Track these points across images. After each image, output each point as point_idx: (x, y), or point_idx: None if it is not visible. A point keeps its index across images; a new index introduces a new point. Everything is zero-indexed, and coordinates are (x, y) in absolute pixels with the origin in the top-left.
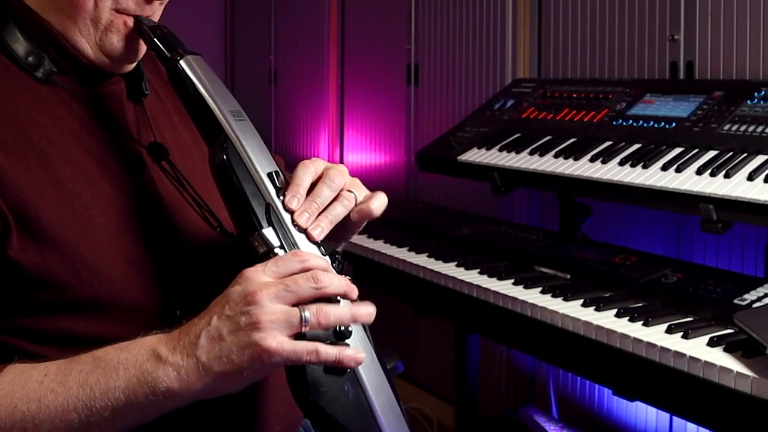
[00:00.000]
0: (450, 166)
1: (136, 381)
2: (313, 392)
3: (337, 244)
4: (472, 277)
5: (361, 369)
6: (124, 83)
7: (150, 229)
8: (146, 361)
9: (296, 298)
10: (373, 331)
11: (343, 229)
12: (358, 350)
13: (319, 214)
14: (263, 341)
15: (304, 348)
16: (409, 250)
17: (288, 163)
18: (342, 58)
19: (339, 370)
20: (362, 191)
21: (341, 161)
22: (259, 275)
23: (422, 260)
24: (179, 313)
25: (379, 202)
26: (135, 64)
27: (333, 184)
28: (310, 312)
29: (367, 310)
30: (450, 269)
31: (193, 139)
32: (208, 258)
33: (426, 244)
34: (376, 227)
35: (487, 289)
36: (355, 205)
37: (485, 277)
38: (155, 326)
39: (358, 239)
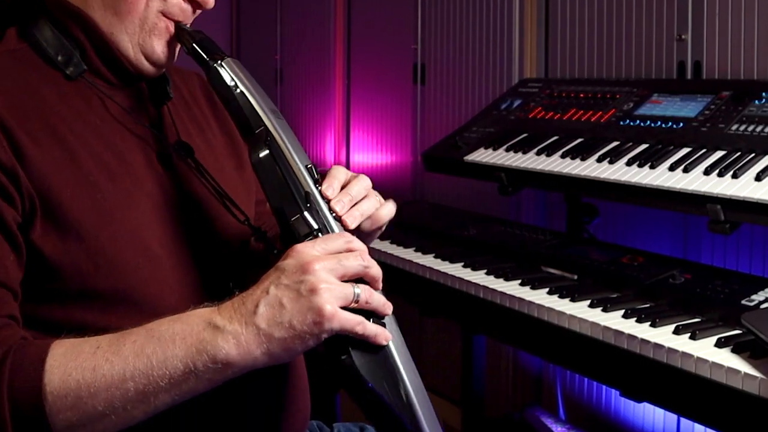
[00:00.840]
0: (457, 166)
1: (195, 350)
2: (353, 356)
3: None
4: (479, 277)
5: (393, 346)
6: (146, 88)
7: (168, 223)
8: (202, 331)
9: (347, 272)
10: None
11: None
12: (386, 331)
13: (352, 207)
14: (324, 306)
15: (355, 318)
16: (416, 251)
17: None
18: (348, 58)
19: (377, 347)
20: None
21: (347, 161)
22: (310, 249)
23: (428, 261)
24: (231, 285)
25: (387, 210)
26: (164, 69)
27: (365, 183)
28: (360, 290)
29: (390, 305)
30: (456, 270)
31: (220, 144)
32: (228, 253)
33: (432, 244)
34: None
35: (493, 290)
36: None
37: (492, 277)
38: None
39: None
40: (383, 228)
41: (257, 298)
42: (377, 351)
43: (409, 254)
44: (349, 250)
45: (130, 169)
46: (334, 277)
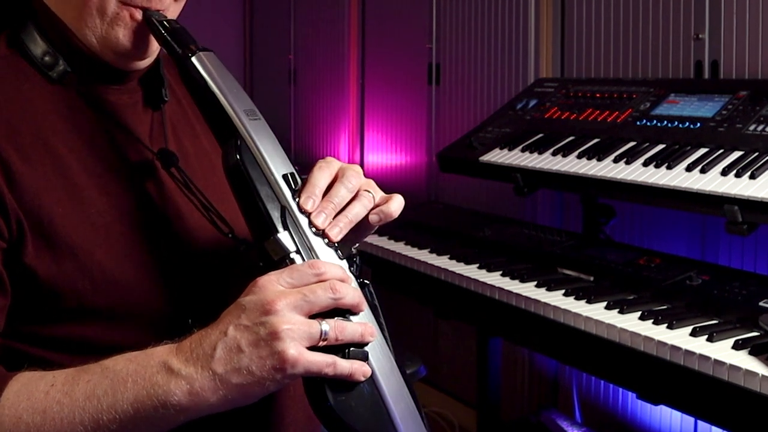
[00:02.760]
0: (472, 166)
1: (146, 394)
2: (331, 400)
3: (351, 245)
4: (494, 279)
5: (380, 376)
6: (141, 90)
7: (162, 237)
8: (156, 374)
9: (314, 308)
10: (393, 333)
11: (358, 230)
12: (364, 365)
13: (337, 214)
14: (286, 351)
15: (323, 360)
16: (431, 252)
17: (306, 164)
18: (363, 57)
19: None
20: (378, 192)
21: (361, 162)
22: (274, 284)
23: (443, 262)
24: (191, 321)
25: (397, 204)
26: (147, 61)
27: (350, 184)
28: (329, 326)
29: (371, 331)
30: (472, 271)
31: (213, 147)
32: (221, 265)
33: (447, 245)
34: (396, 229)
35: (509, 292)
36: (374, 206)
37: (507, 279)
38: (169, 334)
39: (378, 240)
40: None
41: (215, 339)
42: (358, 386)
43: (423, 255)
44: (321, 280)
45: (122, 181)
46: (299, 315)
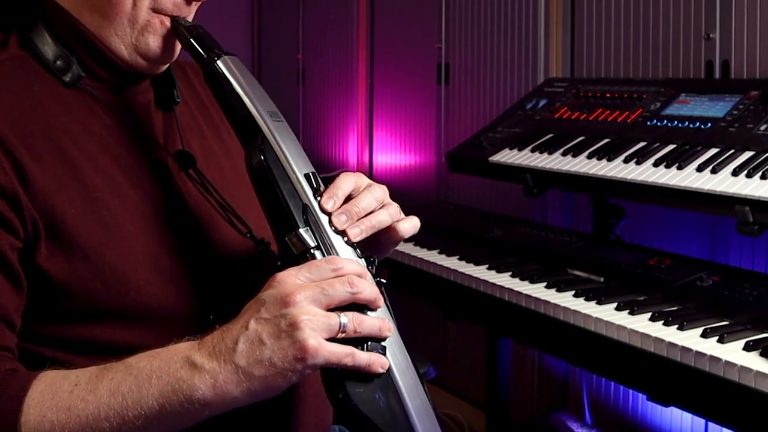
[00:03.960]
0: (481, 167)
1: (170, 389)
2: (349, 392)
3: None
4: (504, 280)
5: (396, 372)
6: (152, 91)
7: (176, 237)
8: (180, 369)
9: (332, 301)
10: (403, 334)
11: (376, 245)
12: (381, 357)
13: (359, 219)
14: (306, 342)
15: (342, 351)
16: (440, 253)
17: (316, 166)
18: (371, 57)
19: (371, 375)
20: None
21: (370, 162)
22: (293, 278)
23: (453, 263)
24: (212, 318)
25: (410, 224)
26: (167, 66)
27: (377, 194)
28: (347, 318)
29: (388, 326)
30: (481, 272)
31: (220, 149)
32: (236, 265)
33: (457, 246)
34: None
35: (518, 293)
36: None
37: (517, 280)
38: (182, 334)
39: None
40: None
41: (236, 333)
42: (375, 379)
43: (433, 256)
44: (339, 275)
45: (136, 182)
46: (317, 308)
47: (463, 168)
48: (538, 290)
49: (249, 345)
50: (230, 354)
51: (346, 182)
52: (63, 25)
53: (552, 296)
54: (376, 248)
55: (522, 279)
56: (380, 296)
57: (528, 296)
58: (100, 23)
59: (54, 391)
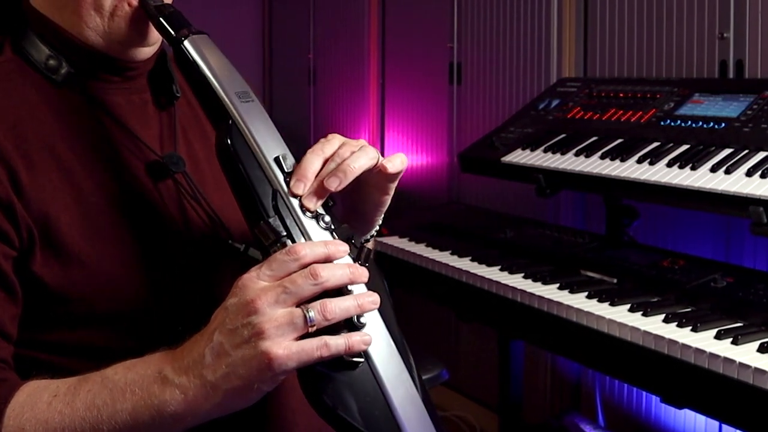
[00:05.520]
0: (493, 167)
1: (143, 404)
2: (323, 390)
3: (360, 234)
4: (516, 281)
5: (376, 362)
6: (149, 89)
7: (167, 242)
8: (153, 383)
9: (297, 298)
10: (414, 335)
11: (362, 212)
12: (362, 334)
13: (338, 167)
14: (270, 350)
15: (312, 345)
16: (452, 254)
17: None
18: (383, 57)
19: (352, 364)
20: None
21: None
22: (255, 281)
23: (465, 264)
24: (180, 329)
25: (398, 159)
26: (151, 49)
27: (353, 146)
28: (314, 310)
29: (371, 299)
30: (493, 273)
31: (210, 150)
32: (225, 271)
33: (469, 247)
34: (417, 230)
35: (531, 294)
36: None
37: (529, 281)
38: (172, 340)
39: (399, 242)
40: (397, 181)
41: (203, 345)
42: (350, 371)
43: (444, 257)
44: (302, 265)
45: (130, 187)
46: (282, 308)
47: (475, 168)
48: (551, 291)
49: (215, 357)
50: (198, 367)
51: (315, 158)
52: (45, 29)
53: (565, 297)
54: (370, 197)
55: (534, 280)
56: (358, 272)
57: (540, 297)
58: (71, 19)
59: (33, 403)
